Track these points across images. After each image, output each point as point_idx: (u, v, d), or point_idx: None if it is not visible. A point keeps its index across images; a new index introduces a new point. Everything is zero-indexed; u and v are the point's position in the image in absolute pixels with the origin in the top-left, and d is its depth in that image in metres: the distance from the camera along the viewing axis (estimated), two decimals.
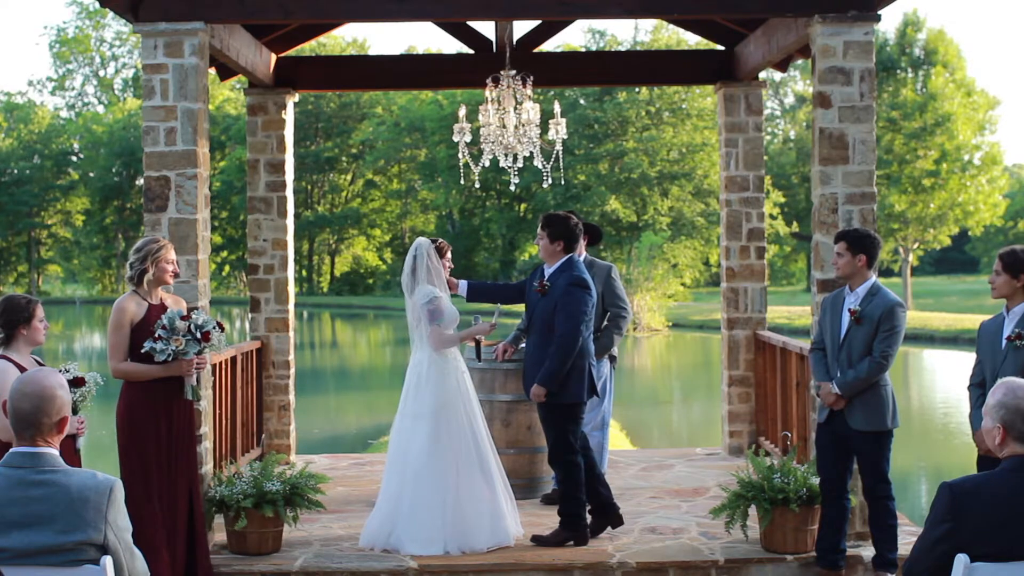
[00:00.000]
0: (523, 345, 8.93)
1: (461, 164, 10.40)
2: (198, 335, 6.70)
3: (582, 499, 7.62)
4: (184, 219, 7.64)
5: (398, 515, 7.50)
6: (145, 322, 6.71)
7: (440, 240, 7.94)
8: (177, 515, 6.79)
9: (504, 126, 9.84)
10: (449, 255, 7.86)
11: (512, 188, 11.50)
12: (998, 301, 6.57)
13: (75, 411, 6.14)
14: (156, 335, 6.64)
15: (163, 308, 6.82)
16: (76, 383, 6.12)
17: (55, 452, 3.91)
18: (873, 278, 6.99)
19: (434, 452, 7.50)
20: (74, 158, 73.82)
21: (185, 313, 6.79)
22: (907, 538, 7.50)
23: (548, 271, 7.62)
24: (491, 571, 7.24)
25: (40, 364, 5.90)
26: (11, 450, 3.90)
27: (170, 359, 6.64)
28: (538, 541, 7.55)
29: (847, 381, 6.83)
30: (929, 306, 49.83)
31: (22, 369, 5.80)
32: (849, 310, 6.91)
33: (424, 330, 7.62)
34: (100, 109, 78.21)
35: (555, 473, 7.79)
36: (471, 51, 10.63)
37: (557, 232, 7.59)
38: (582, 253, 8.87)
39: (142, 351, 6.65)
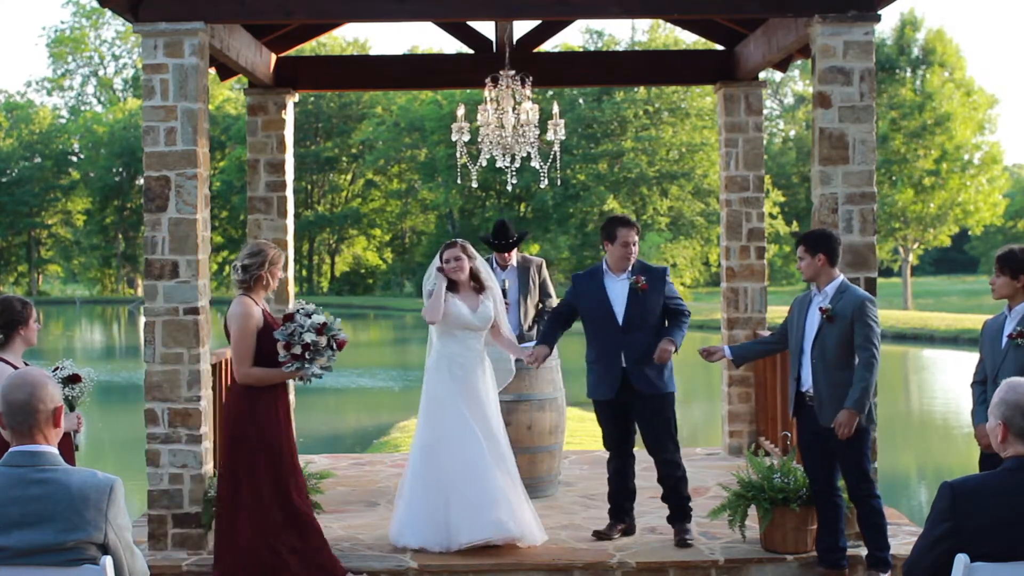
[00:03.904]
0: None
1: (459, 164, 10.40)
2: (334, 345, 6.74)
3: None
4: (184, 219, 7.65)
5: (398, 512, 7.68)
6: (266, 327, 6.79)
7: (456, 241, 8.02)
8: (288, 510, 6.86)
9: (502, 126, 9.84)
10: (449, 253, 7.86)
11: (509, 188, 11.49)
12: (998, 301, 6.59)
13: (72, 407, 6.14)
14: (297, 353, 6.65)
15: (269, 312, 6.90)
16: (72, 380, 6.12)
17: (55, 451, 3.91)
18: (841, 277, 7.02)
19: (425, 448, 7.63)
20: (74, 158, 73.81)
21: (319, 325, 6.73)
22: (907, 538, 7.51)
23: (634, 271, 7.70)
24: (491, 571, 7.24)
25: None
26: (11, 449, 3.90)
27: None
28: (681, 544, 7.58)
29: (857, 398, 6.78)
30: (929, 306, 49.82)
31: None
32: (820, 308, 6.92)
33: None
34: (100, 109, 78.19)
35: (671, 467, 7.77)
36: (471, 51, 10.62)
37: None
38: (511, 255, 9.62)
39: (285, 369, 6.70)
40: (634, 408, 7.78)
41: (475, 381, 7.72)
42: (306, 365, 6.66)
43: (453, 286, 7.77)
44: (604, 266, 7.76)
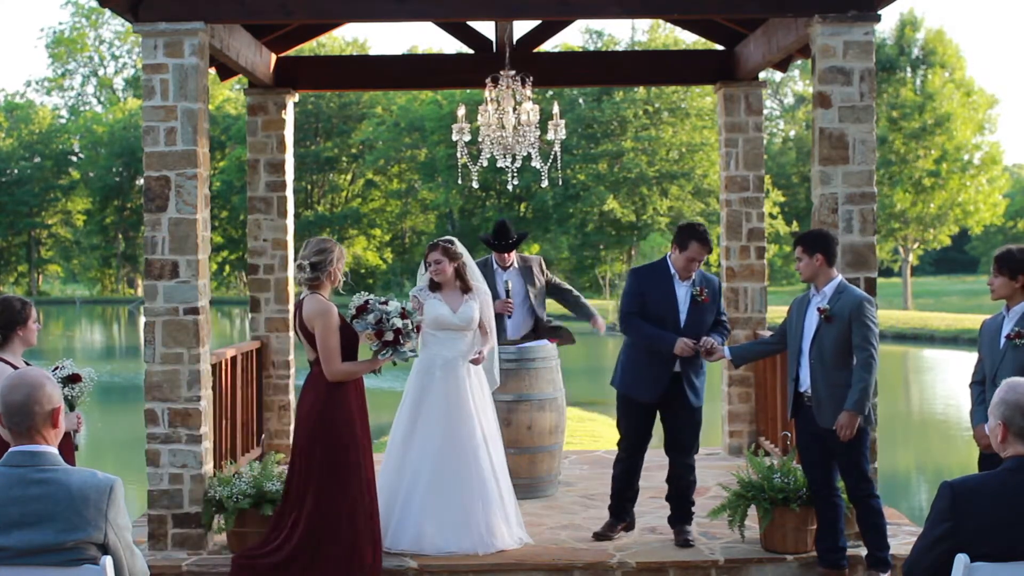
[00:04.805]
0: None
1: (459, 164, 10.40)
2: (416, 329, 6.89)
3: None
4: (184, 219, 7.65)
5: None
6: (343, 322, 6.86)
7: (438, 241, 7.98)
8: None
9: (503, 126, 9.84)
10: (431, 256, 7.83)
11: (509, 188, 11.50)
12: (998, 301, 6.59)
13: (72, 407, 6.14)
14: (389, 340, 6.77)
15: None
16: (72, 379, 6.12)
17: (55, 451, 3.91)
18: (839, 277, 7.03)
19: (388, 449, 7.80)
20: (74, 158, 73.79)
21: (401, 310, 6.86)
22: (907, 538, 7.52)
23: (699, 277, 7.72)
24: (491, 571, 7.24)
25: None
26: (11, 449, 3.90)
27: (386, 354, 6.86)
28: (683, 544, 7.56)
29: (857, 399, 6.78)
30: (929, 306, 49.81)
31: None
32: (818, 308, 6.92)
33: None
34: (100, 109, 78.18)
35: (688, 470, 7.76)
36: (471, 51, 10.62)
37: None
38: (511, 256, 9.55)
39: (380, 356, 6.82)
40: (669, 412, 7.74)
41: (460, 382, 7.64)
42: (399, 349, 6.80)
43: (436, 286, 7.77)
44: (671, 267, 7.68)
